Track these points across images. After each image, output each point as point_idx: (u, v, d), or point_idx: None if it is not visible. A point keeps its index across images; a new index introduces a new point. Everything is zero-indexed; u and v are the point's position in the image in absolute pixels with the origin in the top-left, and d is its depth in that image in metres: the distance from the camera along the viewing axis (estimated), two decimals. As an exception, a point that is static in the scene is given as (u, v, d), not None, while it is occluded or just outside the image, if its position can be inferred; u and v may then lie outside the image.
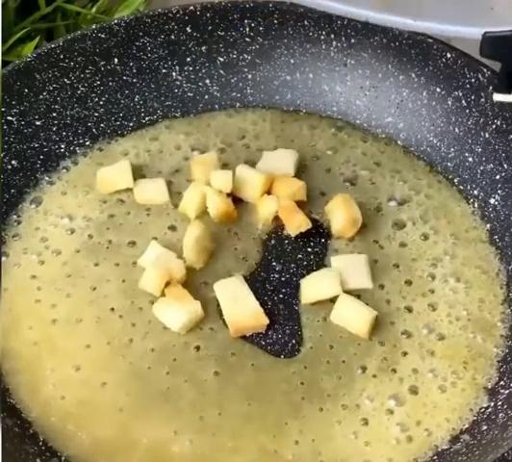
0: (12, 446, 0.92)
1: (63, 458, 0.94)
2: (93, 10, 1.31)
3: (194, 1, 1.21)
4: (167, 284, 1.03)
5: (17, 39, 1.22)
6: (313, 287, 1.04)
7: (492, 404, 0.97)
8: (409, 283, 1.06)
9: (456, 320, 1.03)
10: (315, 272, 1.06)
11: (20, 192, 1.15)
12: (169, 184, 1.16)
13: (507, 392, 0.97)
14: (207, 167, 1.14)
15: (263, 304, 1.04)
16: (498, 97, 0.93)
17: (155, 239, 1.10)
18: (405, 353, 1.01)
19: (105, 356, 1.01)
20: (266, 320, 1.02)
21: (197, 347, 1.01)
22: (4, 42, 1.22)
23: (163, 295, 1.03)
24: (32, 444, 0.95)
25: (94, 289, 1.07)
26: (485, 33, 0.88)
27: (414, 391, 0.98)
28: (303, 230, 1.08)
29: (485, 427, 0.95)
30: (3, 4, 1.20)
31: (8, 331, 1.03)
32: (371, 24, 1.15)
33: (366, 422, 0.96)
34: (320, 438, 0.95)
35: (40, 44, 1.25)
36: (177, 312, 1.01)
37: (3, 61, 1.21)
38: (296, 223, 1.08)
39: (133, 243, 1.10)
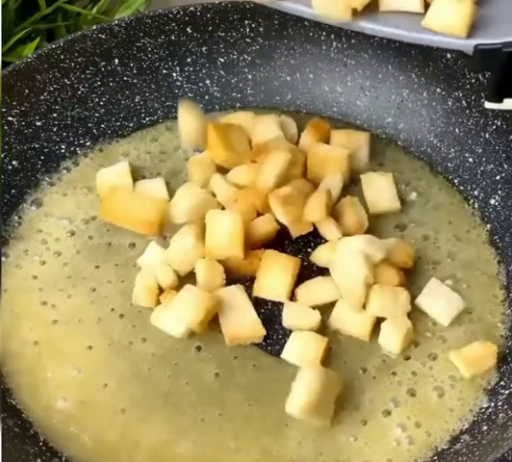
0: (12, 446, 0.93)
1: (63, 459, 0.95)
2: (94, 10, 1.31)
3: (194, 2, 1.21)
4: (161, 291, 1.03)
5: (18, 40, 1.22)
6: (310, 292, 1.04)
7: (492, 405, 0.98)
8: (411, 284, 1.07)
9: (457, 321, 1.04)
10: (311, 280, 1.05)
11: (21, 193, 1.15)
12: (169, 185, 1.15)
13: (507, 392, 0.98)
14: (204, 167, 1.14)
15: (263, 305, 1.04)
16: (489, 105, 0.95)
17: (154, 239, 1.10)
18: (406, 356, 1.01)
19: (106, 358, 1.01)
20: (263, 332, 1.01)
21: (198, 348, 1.01)
22: (4, 43, 1.21)
23: (159, 302, 1.03)
24: (32, 444, 0.95)
25: (94, 290, 1.07)
26: (477, 45, 0.89)
27: (413, 393, 0.98)
28: (304, 233, 1.08)
29: (485, 428, 0.95)
30: (3, 4, 1.20)
31: (9, 332, 1.03)
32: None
33: (365, 423, 0.96)
34: (321, 439, 0.95)
35: (41, 45, 1.25)
36: (176, 319, 1.01)
37: (3, 61, 1.20)
38: (299, 227, 1.08)
39: (133, 245, 1.10)
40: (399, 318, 1.00)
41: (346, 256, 1.01)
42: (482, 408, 0.98)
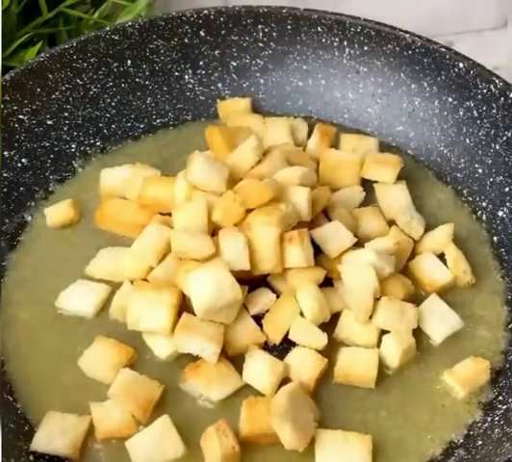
0: (6, 442, 0.93)
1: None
2: (96, 15, 1.31)
3: (195, 6, 1.22)
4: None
5: (20, 45, 1.23)
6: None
7: (488, 419, 0.96)
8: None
9: (457, 336, 1.03)
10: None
11: (29, 191, 1.16)
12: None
13: (505, 407, 0.96)
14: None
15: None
16: None
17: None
18: (403, 370, 1.00)
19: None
20: (262, 338, 1.00)
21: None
22: (7, 48, 1.22)
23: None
24: (27, 441, 0.94)
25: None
26: None
27: (408, 405, 0.97)
28: None
29: (480, 442, 0.94)
30: (5, 9, 1.21)
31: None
32: (384, 32, 1.16)
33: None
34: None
35: (43, 49, 1.25)
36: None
37: (5, 66, 1.21)
38: None
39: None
40: (403, 333, 0.99)
41: (356, 268, 1.00)
42: (478, 422, 0.96)
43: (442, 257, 1.07)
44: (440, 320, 1.02)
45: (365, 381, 0.97)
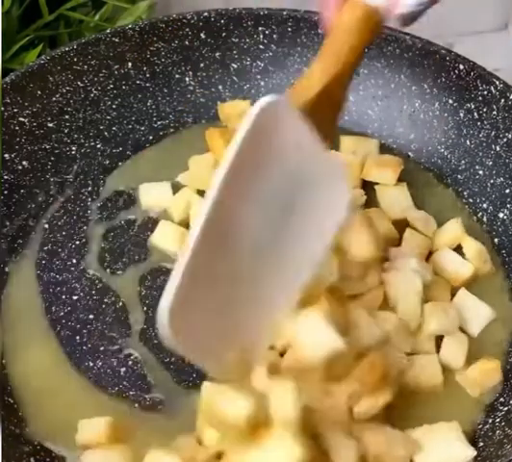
0: (6, 444, 0.93)
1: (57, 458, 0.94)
2: (96, 17, 1.31)
3: (196, 8, 1.22)
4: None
5: (20, 47, 1.23)
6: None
7: (490, 421, 0.96)
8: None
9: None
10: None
11: (30, 194, 1.16)
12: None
13: (506, 409, 0.96)
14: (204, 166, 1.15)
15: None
16: None
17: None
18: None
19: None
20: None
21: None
22: (7, 50, 1.22)
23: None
24: (27, 443, 0.95)
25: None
26: None
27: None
28: None
29: (481, 444, 0.94)
30: (6, 12, 1.21)
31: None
32: (384, 34, 1.16)
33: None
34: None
35: (43, 52, 1.25)
36: None
37: (6, 68, 1.21)
38: None
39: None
40: (456, 333, 0.99)
41: (402, 277, 1.00)
42: (479, 424, 0.96)
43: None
44: (474, 313, 1.02)
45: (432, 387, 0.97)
